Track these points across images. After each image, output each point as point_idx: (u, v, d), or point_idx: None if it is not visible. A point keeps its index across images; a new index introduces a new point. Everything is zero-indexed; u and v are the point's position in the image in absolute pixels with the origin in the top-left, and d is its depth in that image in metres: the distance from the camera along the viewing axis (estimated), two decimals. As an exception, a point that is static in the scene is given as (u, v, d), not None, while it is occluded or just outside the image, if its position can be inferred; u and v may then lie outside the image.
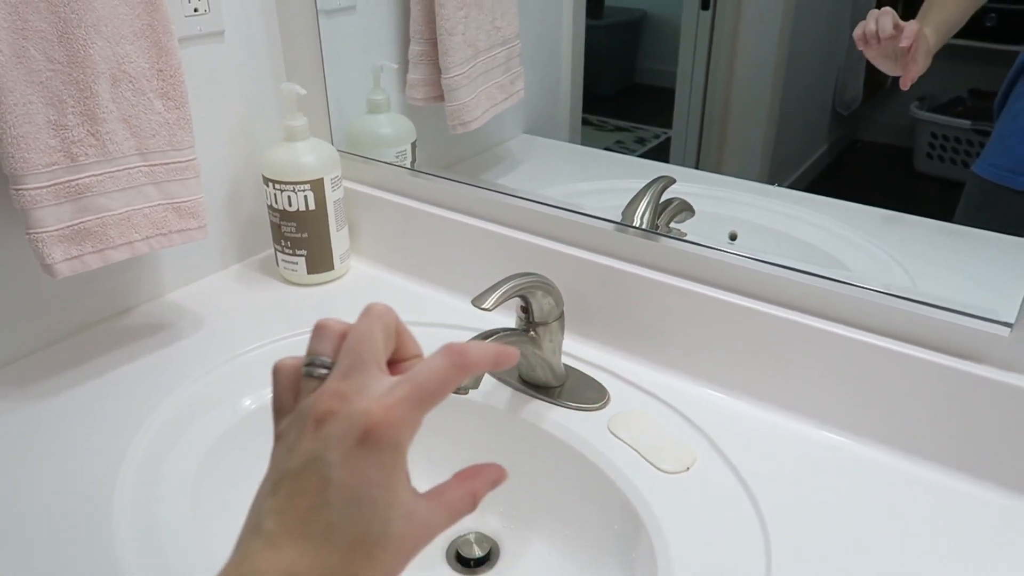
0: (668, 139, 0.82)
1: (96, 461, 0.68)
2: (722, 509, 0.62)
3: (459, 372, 0.36)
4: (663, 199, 0.79)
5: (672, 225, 0.78)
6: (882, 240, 0.70)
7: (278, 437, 0.37)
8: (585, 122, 0.88)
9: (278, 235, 0.93)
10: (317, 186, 0.89)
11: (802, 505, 0.62)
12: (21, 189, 0.68)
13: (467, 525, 0.74)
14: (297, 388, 0.38)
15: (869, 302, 0.67)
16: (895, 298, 0.66)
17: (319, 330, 0.39)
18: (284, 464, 0.35)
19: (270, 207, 0.92)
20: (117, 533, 0.61)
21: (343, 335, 0.39)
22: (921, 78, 0.63)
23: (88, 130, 0.71)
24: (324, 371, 0.37)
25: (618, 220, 0.79)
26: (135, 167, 0.75)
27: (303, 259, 0.93)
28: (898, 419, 0.67)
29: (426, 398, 0.35)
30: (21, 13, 0.66)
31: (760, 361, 0.72)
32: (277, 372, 0.39)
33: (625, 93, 0.88)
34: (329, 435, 0.34)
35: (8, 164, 0.68)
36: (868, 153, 0.72)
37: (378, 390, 0.35)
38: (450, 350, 0.37)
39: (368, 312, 0.39)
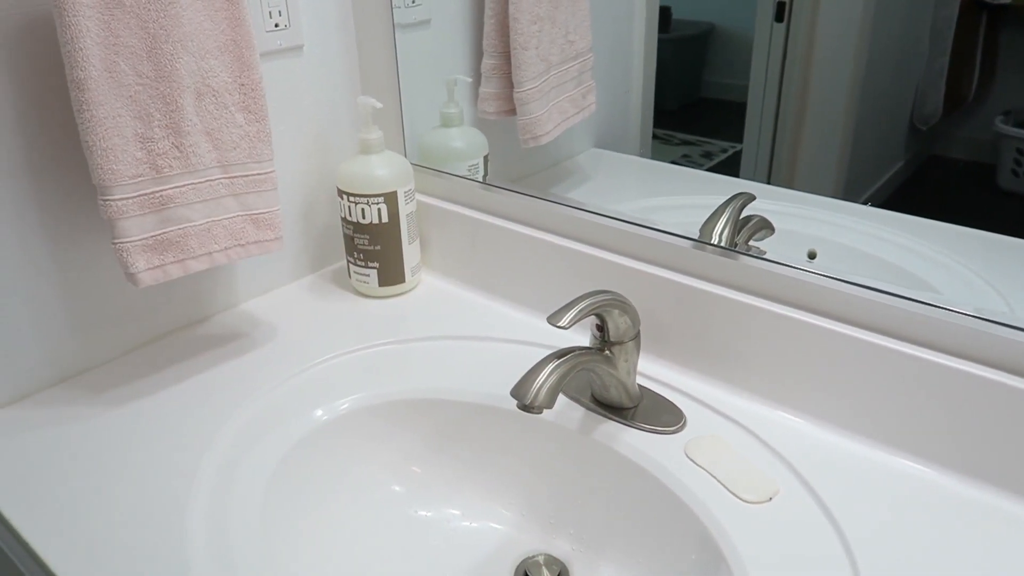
0: (736, 153, 0.81)
1: (171, 468, 0.69)
2: (807, 543, 0.60)
3: None
4: (742, 216, 0.77)
5: (751, 243, 0.76)
6: (970, 261, 0.67)
7: None
8: (652, 136, 0.87)
9: (351, 247, 0.93)
10: (391, 199, 0.90)
11: (892, 541, 0.60)
12: (108, 200, 0.70)
13: (536, 547, 0.73)
14: None
15: (961, 327, 0.64)
16: (990, 323, 0.63)
17: None
18: None
19: (343, 219, 0.92)
20: (189, 539, 0.61)
21: None
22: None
23: (173, 143, 0.73)
24: None
25: (695, 237, 0.77)
26: (216, 179, 0.76)
27: (375, 271, 0.93)
28: (994, 453, 0.64)
29: None
30: (113, 30, 0.68)
31: (844, 386, 0.70)
32: None
33: (692, 107, 0.87)
34: None
35: (97, 175, 0.70)
36: (948, 169, 0.69)
37: None
38: None
39: None
